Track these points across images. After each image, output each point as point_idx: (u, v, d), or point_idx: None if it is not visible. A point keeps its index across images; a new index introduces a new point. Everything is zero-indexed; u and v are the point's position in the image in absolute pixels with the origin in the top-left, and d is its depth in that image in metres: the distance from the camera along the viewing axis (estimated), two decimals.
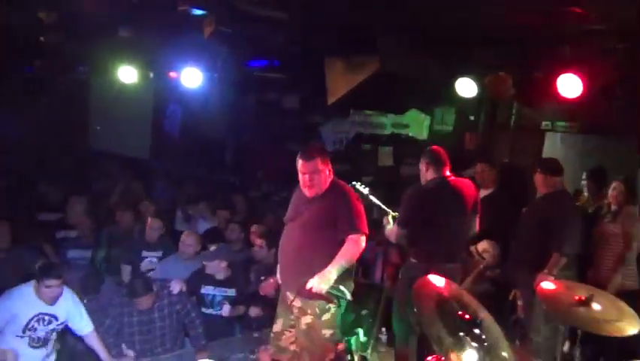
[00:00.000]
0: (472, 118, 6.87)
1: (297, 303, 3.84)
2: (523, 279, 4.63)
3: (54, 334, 4.34)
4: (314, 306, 3.79)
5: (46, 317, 4.22)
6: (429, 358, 3.17)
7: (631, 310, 3.18)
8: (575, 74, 5.00)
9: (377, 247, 6.05)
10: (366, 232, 3.76)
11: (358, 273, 4.67)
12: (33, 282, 4.17)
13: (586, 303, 3.14)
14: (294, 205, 3.98)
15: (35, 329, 4.19)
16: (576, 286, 3.41)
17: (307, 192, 3.80)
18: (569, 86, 5.06)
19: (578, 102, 5.14)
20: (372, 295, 5.09)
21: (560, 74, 5.05)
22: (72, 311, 4.36)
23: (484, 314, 2.92)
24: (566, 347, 3.54)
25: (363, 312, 4.78)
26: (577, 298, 3.17)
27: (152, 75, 7.52)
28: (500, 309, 4.74)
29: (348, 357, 3.86)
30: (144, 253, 5.85)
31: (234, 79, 7.23)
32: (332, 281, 3.62)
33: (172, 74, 7.45)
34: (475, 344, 2.70)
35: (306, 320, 3.84)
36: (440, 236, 4.33)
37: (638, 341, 3.28)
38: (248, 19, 5.06)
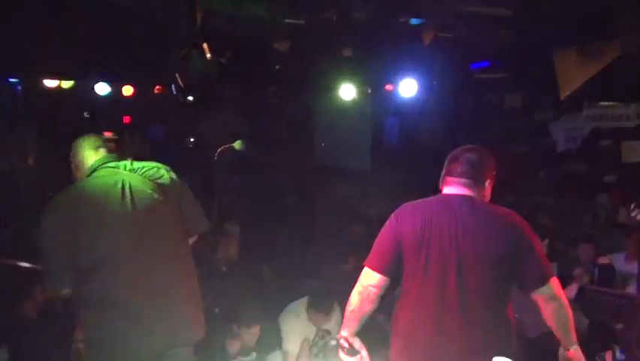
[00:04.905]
0: None
1: None
2: None
3: None
4: None
5: None
6: None
7: None
8: None
9: None
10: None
11: None
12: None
13: None
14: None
15: None
16: None
17: None
18: None
19: None
20: None
21: None
22: None
23: None
24: None
25: None
26: None
27: (369, 90, 7.77)
28: None
29: None
30: None
31: (452, 83, 7.06)
32: None
33: (388, 87, 7.60)
34: None
35: None
36: None
37: None
38: (469, 20, 4.88)
